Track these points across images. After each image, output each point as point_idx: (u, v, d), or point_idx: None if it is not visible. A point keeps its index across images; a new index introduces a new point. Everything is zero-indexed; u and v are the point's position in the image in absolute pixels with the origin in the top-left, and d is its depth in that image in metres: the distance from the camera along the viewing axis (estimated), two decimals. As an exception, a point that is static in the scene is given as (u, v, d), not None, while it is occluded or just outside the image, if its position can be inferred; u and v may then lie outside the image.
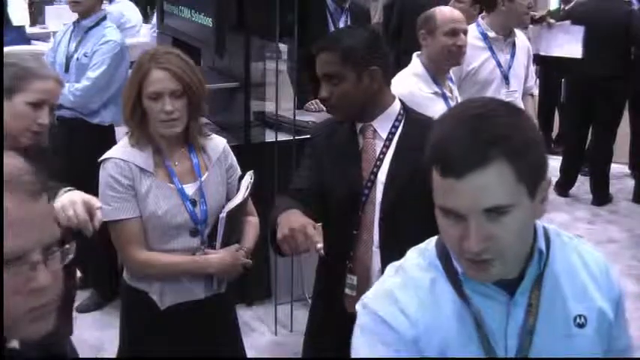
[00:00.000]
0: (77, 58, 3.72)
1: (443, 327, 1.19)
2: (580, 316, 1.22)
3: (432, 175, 1.11)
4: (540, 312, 1.20)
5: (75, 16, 3.87)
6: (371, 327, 1.19)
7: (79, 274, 3.84)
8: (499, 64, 3.71)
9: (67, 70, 3.75)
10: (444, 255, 1.22)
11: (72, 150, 3.70)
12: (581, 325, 1.22)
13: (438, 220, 1.14)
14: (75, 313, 3.76)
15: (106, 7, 6.47)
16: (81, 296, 3.95)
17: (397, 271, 1.26)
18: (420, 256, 1.26)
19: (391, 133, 2.13)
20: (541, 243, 1.22)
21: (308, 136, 2.50)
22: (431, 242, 1.27)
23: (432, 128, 1.16)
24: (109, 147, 2.27)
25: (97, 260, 3.89)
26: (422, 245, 1.28)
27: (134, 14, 6.81)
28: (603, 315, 1.24)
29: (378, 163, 2.12)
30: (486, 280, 1.16)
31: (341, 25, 4.89)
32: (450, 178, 1.07)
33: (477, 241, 1.08)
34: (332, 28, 4.76)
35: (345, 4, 5.02)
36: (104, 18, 3.80)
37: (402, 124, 2.15)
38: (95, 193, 2.23)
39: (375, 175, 2.11)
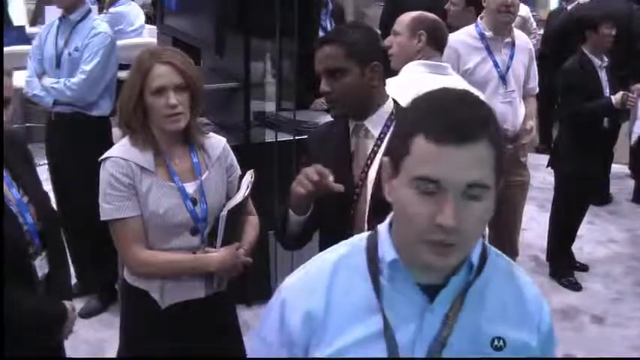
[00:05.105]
0: (69, 53, 3.71)
1: (350, 318, 1.17)
2: (499, 338, 1.17)
3: (413, 144, 1.08)
4: (457, 326, 1.15)
5: None
6: (274, 302, 1.24)
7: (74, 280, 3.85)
8: (496, 65, 3.68)
9: (58, 65, 3.74)
10: (372, 246, 1.21)
11: (77, 146, 3.71)
12: (498, 348, 1.17)
13: (405, 197, 1.10)
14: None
15: (111, 7, 6.51)
16: (81, 302, 3.94)
17: (319, 257, 1.27)
18: (349, 245, 1.25)
19: (383, 133, 2.13)
20: (474, 256, 1.18)
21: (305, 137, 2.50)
22: (363, 236, 1.26)
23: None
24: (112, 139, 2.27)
25: (96, 264, 3.90)
26: (356, 237, 1.27)
27: (138, 15, 6.82)
28: (526, 345, 1.19)
29: (368, 162, 2.12)
30: (444, 267, 1.13)
31: (326, 24, 4.90)
32: (449, 145, 1.05)
33: (454, 214, 1.05)
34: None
35: (329, 3, 5.03)
36: (90, 11, 3.82)
37: (394, 123, 2.15)
38: None
39: (366, 174, 2.12)
